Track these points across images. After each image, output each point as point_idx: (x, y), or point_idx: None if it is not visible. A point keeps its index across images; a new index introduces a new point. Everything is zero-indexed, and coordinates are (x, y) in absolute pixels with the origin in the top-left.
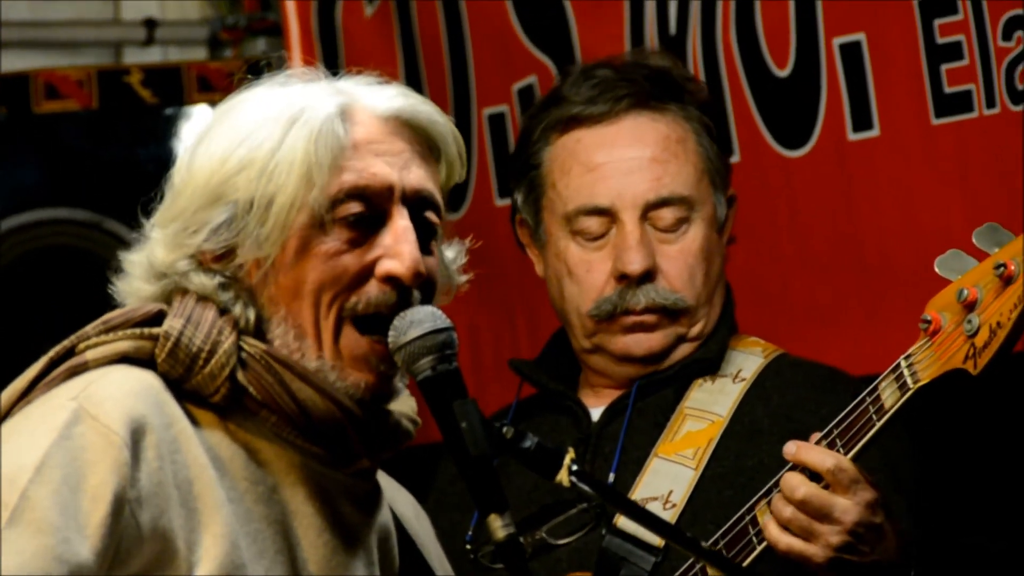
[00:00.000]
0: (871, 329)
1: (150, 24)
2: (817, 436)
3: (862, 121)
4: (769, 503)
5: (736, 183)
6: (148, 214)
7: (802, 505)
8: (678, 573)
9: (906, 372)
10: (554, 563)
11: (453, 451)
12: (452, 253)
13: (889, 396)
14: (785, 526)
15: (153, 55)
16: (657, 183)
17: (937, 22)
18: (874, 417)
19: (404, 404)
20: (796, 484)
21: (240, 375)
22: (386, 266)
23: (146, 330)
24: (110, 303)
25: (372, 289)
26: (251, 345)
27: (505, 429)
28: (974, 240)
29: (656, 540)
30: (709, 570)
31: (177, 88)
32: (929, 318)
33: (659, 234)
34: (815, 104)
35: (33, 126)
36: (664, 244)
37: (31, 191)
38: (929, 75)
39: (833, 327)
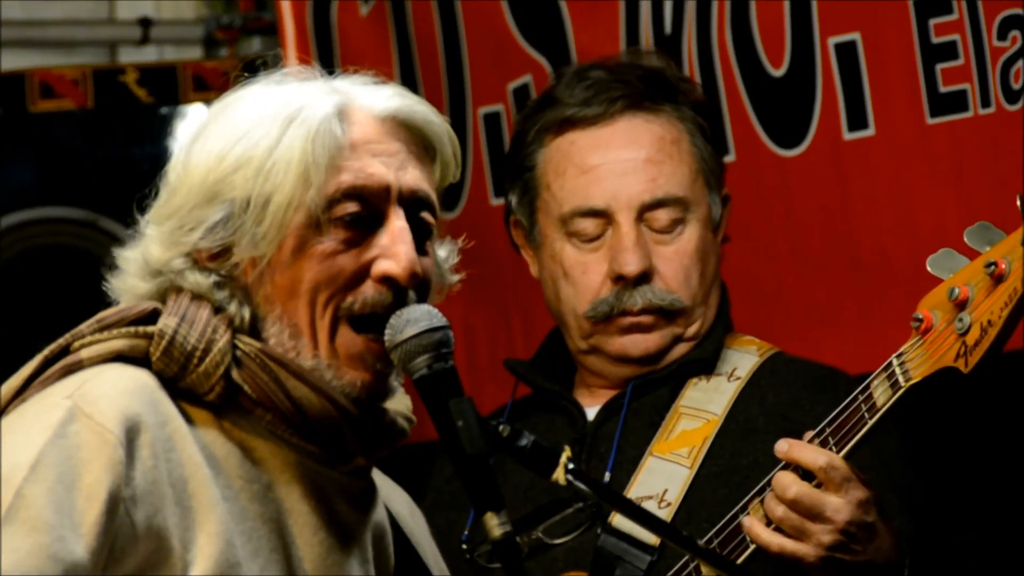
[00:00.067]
0: (866, 328)
1: (145, 23)
2: (810, 434)
3: (857, 120)
4: (762, 502)
5: (732, 183)
6: (143, 211)
7: (793, 504)
8: (672, 571)
9: (898, 370)
10: (550, 562)
11: (449, 449)
12: (444, 252)
13: (881, 394)
14: (777, 525)
15: (148, 54)
16: (652, 184)
17: (932, 22)
18: (866, 415)
19: (399, 402)
20: (788, 483)
21: (235, 373)
22: (382, 267)
23: (141, 328)
24: (106, 302)
25: (368, 289)
26: (246, 343)
27: (501, 427)
28: (965, 239)
29: (652, 539)
30: (704, 569)
31: (172, 87)
32: (921, 316)
33: (655, 235)
34: (810, 103)
35: (29, 125)
36: (660, 245)
37: (27, 190)
38: (924, 75)
39: (829, 326)
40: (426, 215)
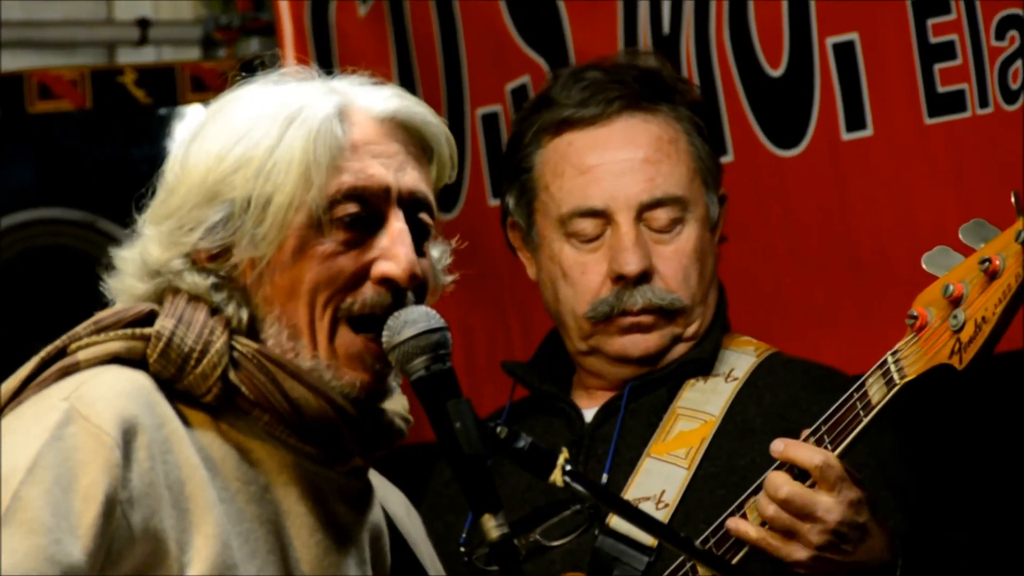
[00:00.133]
0: (865, 328)
1: (143, 24)
2: (806, 432)
3: (855, 121)
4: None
5: (730, 183)
6: (141, 212)
7: (785, 504)
8: (668, 571)
9: (893, 368)
10: (548, 564)
11: (447, 451)
12: (437, 252)
13: (876, 392)
14: (768, 525)
15: (147, 55)
16: (651, 184)
17: (930, 22)
18: (861, 413)
19: (396, 403)
20: (779, 483)
21: (232, 375)
22: (382, 268)
23: (138, 330)
24: (104, 303)
25: (368, 291)
26: (243, 344)
27: (499, 429)
28: (960, 236)
29: (649, 540)
30: (700, 569)
31: (171, 88)
32: (915, 314)
33: (654, 235)
34: (808, 104)
35: (27, 126)
36: (659, 245)
37: (25, 191)
38: (922, 75)
39: (827, 326)
40: (424, 216)
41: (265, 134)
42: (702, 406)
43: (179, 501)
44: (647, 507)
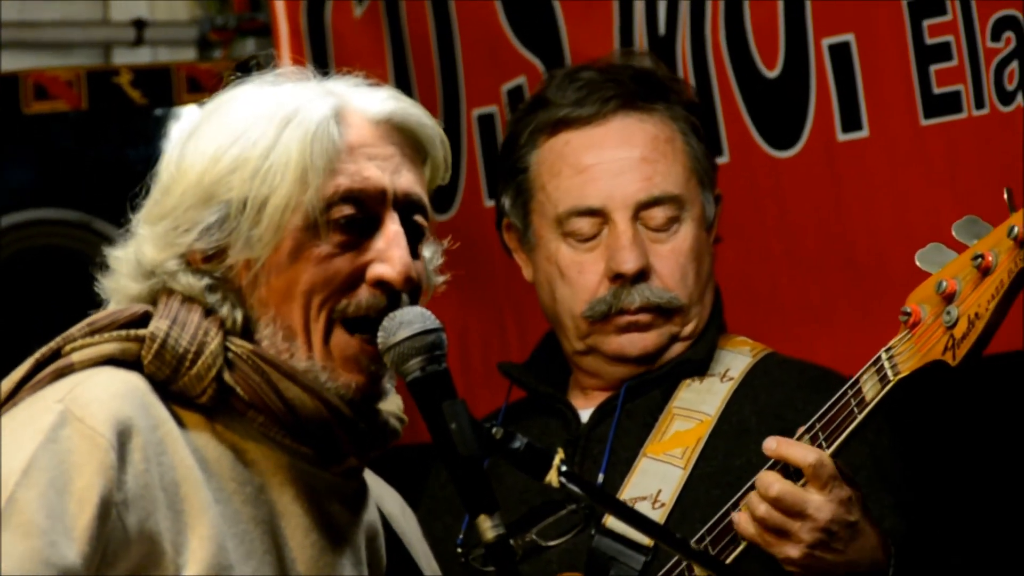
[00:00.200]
0: (861, 329)
1: (139, 25)
2: (801, 430)
3: (851, 122)
4: None
5: (725, 184)
6: (136, 211)
7: (776, 502)
8: (664, 571)
9: (886, 364)
10: (544, 564)
11: (442, 452)
12: (428, 253)
13: (870, 389)
14: (761, 523)
15: (142, 56)
16: (648, 183)
17: (926, 23)
18: (856, 410)
19: (391, 403)
20: (770, 481)
21: (227, 376)
22: (377, 270)
23: (132, 332)
24: (100, 303)
25: (363, 293)
26: (238, 345)
27: (495, 430)
28: (953, 232)
29: (646, 539)
30: (696, 569)
31: (167, 89)
32: (909, 310)
33: (651, 233)
34: (804, 105)
35: (23, 127)
36: (656, 244)
37: (21, 192)
38: (918, 76)
39: (823, 327)
40: (419, 218)
41: (261, 135)
42: (698, 406)
43: (174, 503)
44: (643, 507)
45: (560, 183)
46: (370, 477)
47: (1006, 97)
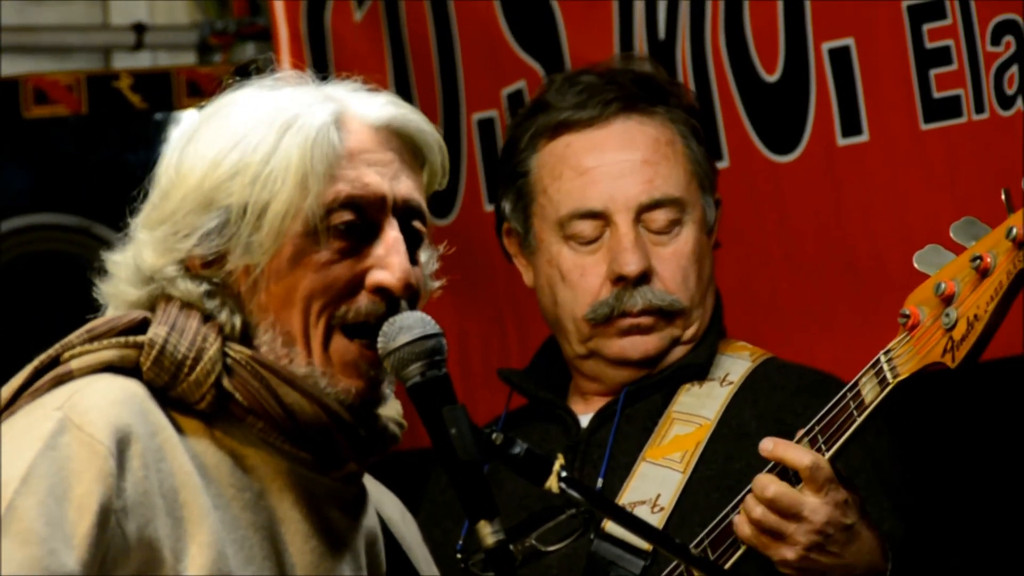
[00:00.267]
0: (860, 333)
1: (139, 29)
2: (801, 432)
3: (851, 126)
4: None
5: (725, 189)
6: (135, 215)
7: (771, 503)
8: (663, 575)
9: (885, 367)
10: (544, 569)
11: (442, 457)
12: (424, 257)
13: (869, 391)
14: (757, 525)
15: (142, 60)
16: (649, 185)
17: (926, 27)
18: (855, 413)
19: (390, 408)
20: (766, 483)
21: (226, 381)
22: (377, 277)
23: (131, 338)
24: (99, 309)
25: (362, 299)
26: (237, 351)
27: (495, 435)
28: (951, 234)
29: (645, 544)
30: (695, 574)
31: (166, 93)
32: (908, 312)
33: (652, 236)
34: (804, 109)
35: (23, 131)
36: (657, 246)
37: (20, 196)
38: (918, 80)
39: (823, 332)
40: (417, 224)
41: (261, 140)
42: (697, 410)
43: (173, 509)
44: (643, 511)
45: (561, 186)
46: (369, 482)
47: (1006, 101)
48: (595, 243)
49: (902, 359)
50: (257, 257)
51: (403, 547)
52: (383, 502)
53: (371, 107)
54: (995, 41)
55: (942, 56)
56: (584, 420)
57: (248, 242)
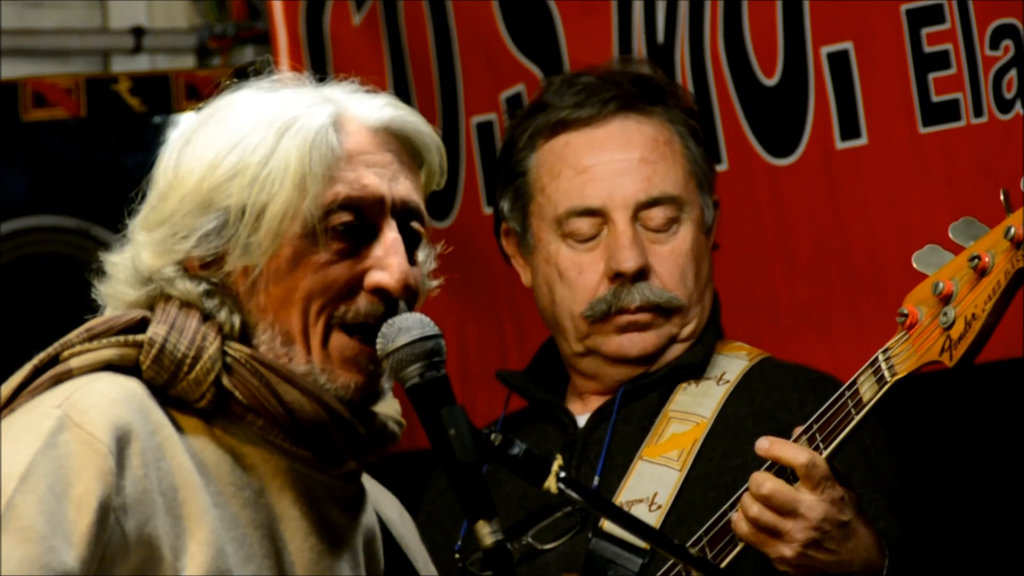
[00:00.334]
0: (858, 337)
1: (138, 32)
2: (799, 430)
3: (850, 130)
4: None
5: (724, 191)
6: (133, 216)
7: (767, 500)
8: (661, 573)
9: (883, 365)
10: (542, 567)
11: (441, 458)
12: (422, 257)
13: (867, 390)
14: (753, 523)
15: (141, 63)
16: (647, 183)
17: (925, 31)
18: (853, 411)
19: (389, 406)
20: (762, 480)
21: (225, 380)
22: (375, 278)
23: (130, 337)
24: (98, 311)
25: (361, 300)
26: (236, 350)
27: (493, 436)
28: (950, 234)
29: (643, 542)
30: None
31: (165, 96)
32: (906, 311)
33: (650, 234)
34: (803, 113)
35: (21, 134)
36: (655, 244)
37: (19, 199)
38: (917, 84)
39: (821, 334)
40: (415, 225)
41: (260, 142)
42: (694, 408)
43: (173, 507)
44: (640, 509)
45: (560, 184)
46: (367, 482)
47: (1005, 105)
48: (593, 241)
49: (900, 358)
50: (256, 258)
51: (401, 546)
52: (381, 501)
53: (369, 109)
54: (994, 45)
55: (941, 60)
56: (582, 420)
57: (247, 243)
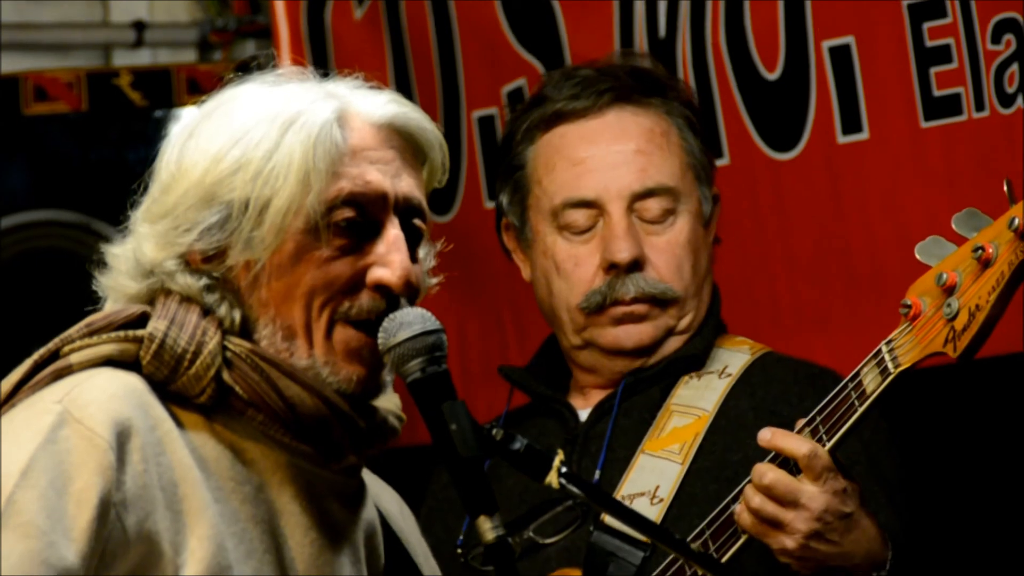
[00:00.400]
0: (858, 332)
1: (139, 26)
2: (802, 423)
3: (851, 124)
4: None
5: (725, 185)
6: (135, 210)
7: (769, 490)
8: (662, 566)
9: (887, 357)
10: (544, 561)
11: (442, 453)
12: (423, 254)
13: (871, 381)
14: (755, 514)
15: (142, 57)
16: (643, 174)
17: (926, 25)
18: (856, 402)
19: (389, 401)
20: (764, 471)
21: (226, 375)
22: (377, 274)
23: (130, 332)
24: (98, 305)
25: (363, 296)
26: (236, 344)
27: (495, 431)
28: (953, 225)
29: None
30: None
31: (167, 90)
32: (909, 303)
33: (646, 225)
34: (804, 107)
35: (22, 128)
36: (651, 236)
37: (20, 193)
38: (918, 78)
39: (821, 330)
40: (417, 221)
41: (264, 136)
42: (695, 402)
43: (173, 503)
44: (642, 502)
45: (555, 176)
46: (368, 476)
47: (1006, 99)
48: (588, 233)
49: (903, 349)
50: (258, 253)
51: (401, 540)
52: (382, 496)
53: (373, 105)
54: (995, 39)
55: (942, 54)
56: (583, 414)
57: (249, 238)
